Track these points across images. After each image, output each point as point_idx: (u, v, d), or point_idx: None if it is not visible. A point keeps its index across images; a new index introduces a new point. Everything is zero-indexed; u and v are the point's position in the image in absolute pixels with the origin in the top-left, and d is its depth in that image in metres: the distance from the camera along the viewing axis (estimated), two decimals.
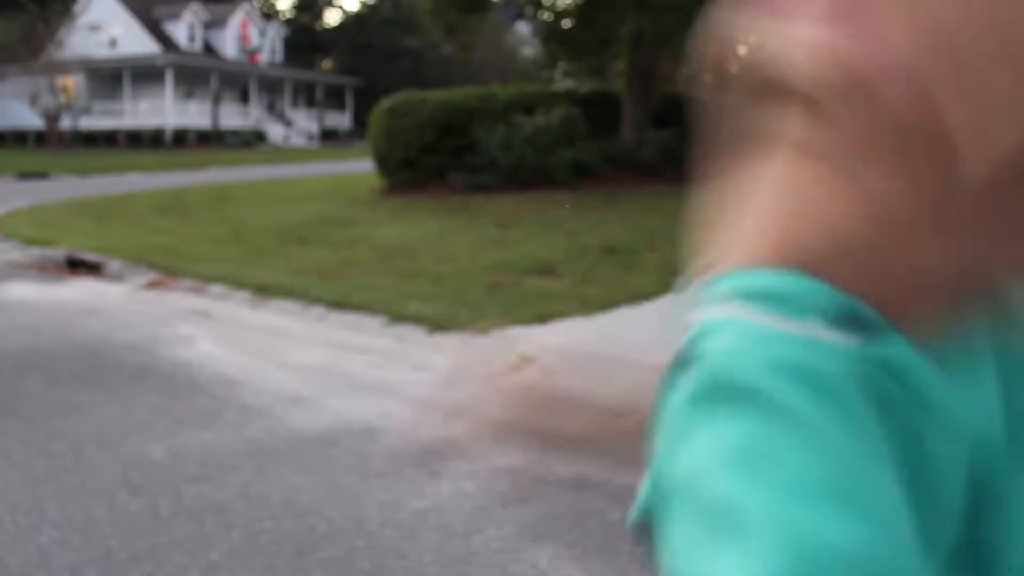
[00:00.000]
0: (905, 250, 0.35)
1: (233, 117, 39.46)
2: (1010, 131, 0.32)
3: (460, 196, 13.24)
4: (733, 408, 0.32)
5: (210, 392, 5.16)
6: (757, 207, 0.37)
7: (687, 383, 0.35)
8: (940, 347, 0.36)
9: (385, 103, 14.79)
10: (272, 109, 42.87)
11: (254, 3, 47.79)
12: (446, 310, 6.83)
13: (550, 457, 4.04)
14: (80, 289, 8.41)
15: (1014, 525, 0.36)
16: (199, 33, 40.75)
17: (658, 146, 13.84)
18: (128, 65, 37.89)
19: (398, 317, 6.75)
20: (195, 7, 40.48)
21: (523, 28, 37.71)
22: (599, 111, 14.69)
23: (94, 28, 38.32)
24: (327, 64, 51.73)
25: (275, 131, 39.96)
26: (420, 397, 5.06)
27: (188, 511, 3.56)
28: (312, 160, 26.78)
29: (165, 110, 36.66)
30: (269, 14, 49.70)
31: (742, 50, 0.39)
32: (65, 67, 34.55)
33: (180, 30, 39.86)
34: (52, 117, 35.10)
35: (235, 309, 7.54)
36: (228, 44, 41.56)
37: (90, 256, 9.55)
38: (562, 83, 22.73)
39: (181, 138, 35.81)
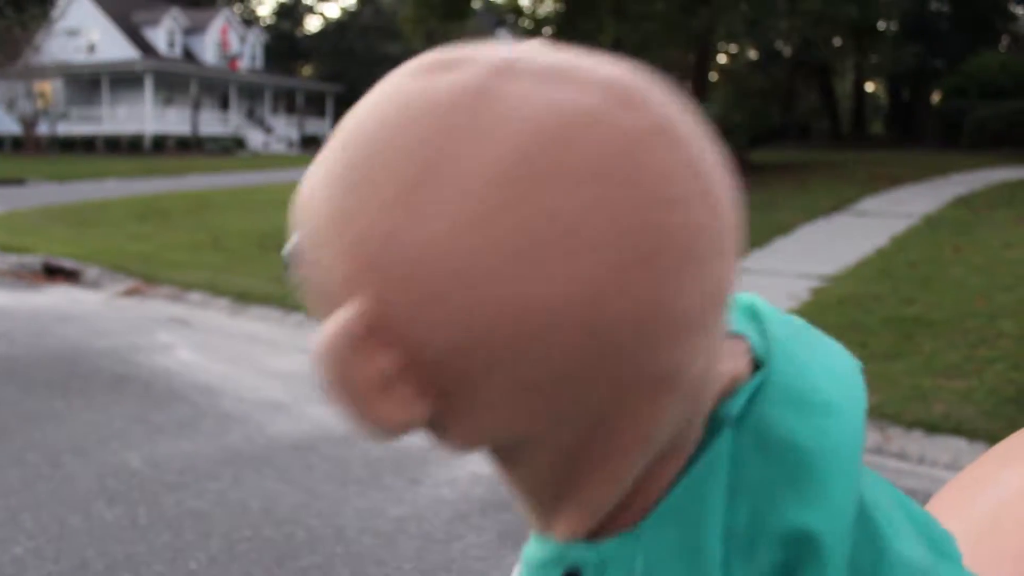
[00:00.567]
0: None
1: (213, 123, 39.27)
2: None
3: None
4: None
5: (189, 400, 5.13)
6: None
7: None
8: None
9: None
10: (252, 116, 42.70)
11: (234, 9, 47.64)
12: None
13: None
14: (57, 296, 8.35)
15: None
16: (179, 39, 40.55)
17: None
18: (107, 71, 37.63)
19: None
20: (175, 13, 40.28)
21: (504, 36, 37.83)
22: None
23: (72, 33, 38.06)
24: (308, 71, 51.62)
25: (255, 138, 39.79)
26: None
27: (166, 520, 3.54)
28: (292, 167, 26.69)
29: (144, 116, 36.43)
30: (249, 20, 49.55)
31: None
32: (43, 72, 34.27)
33: (159, 36, 39.65)
34: (29, 123, 34.80)
35: (214, 316, 7.51)
36: (208, 50, 41.37)
37: (67, 263, 9.48)
38: None
39: (160, 144, 35.59)
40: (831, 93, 33.21)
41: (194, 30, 41.33)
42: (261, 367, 5.89)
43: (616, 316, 0.33)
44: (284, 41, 49.90)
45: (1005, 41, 30.60)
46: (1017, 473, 0.68)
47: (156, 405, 5.03)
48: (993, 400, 4.48)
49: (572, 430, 0.37)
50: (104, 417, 4.80)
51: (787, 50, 28.97)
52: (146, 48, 38.81)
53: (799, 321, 0.45)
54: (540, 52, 0.37)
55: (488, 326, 0.33)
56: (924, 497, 0.71)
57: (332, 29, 50.79)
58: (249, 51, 43.53)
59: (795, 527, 0.37)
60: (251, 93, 43.02)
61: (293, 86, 44.36)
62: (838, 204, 11.87)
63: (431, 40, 17.90)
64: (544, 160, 0.33)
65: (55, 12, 38.49)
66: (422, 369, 0.35)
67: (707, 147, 0.38)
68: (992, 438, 4.09)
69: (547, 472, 0.38)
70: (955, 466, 4.00)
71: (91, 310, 7.75)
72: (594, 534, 0.40)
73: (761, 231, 9.81)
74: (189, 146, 35.94)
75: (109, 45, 38.29)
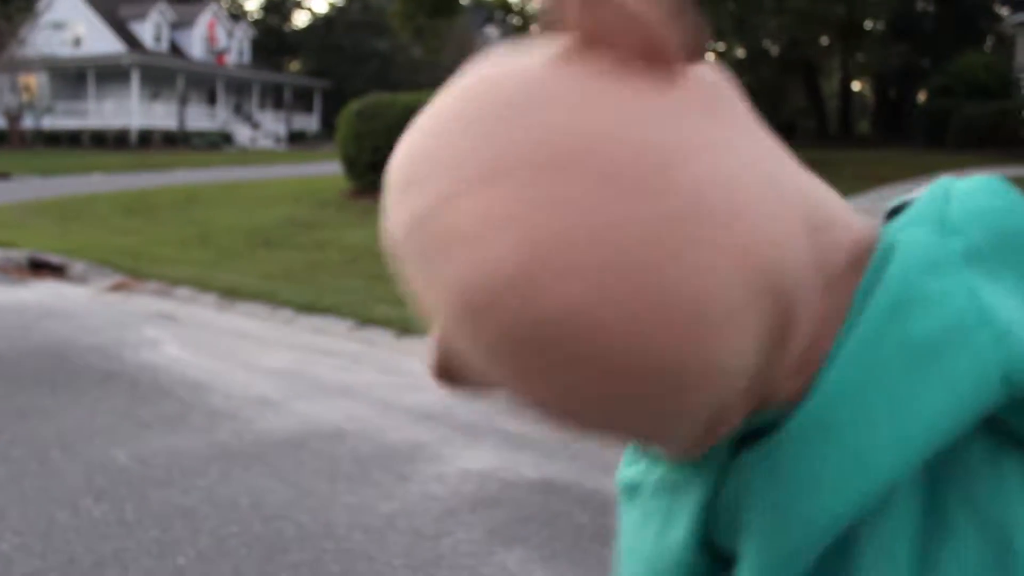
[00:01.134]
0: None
1: (200, 118, 39.10)
2: None
3: None
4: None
5: (176, 396, 5.11)
6: None
7: None
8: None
9: (353, 105, 14.75)
10: (239, 111, 42.53)
11: (222, 4, 47.42)
12: (414, 313, 6.82)
13: (519, 460, 4.05)
14: (43, 291, 8.30)
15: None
16: (165, 33, 40.34)
17: None
18: (93, 64, 37.41)
19: (366, 320, 6.74)
20: (162, 7, 40.06)
21: (492, 32, 37.79)
22: None
23: (58, 26, 37.80)
24: (295, 66, 51.45)
25: (242, 133, 39.64)
26: (388, 400, 5.06)
27: (154, 516, 3.53)
28: (280, 162, 26.60)
29: (130, 110, 36.23)
30: (237, 15, 49.33)
31: None
32: (27, 66, 34.03)
33: (146, 30, 39.42)
34: (14, 117, 34.56)
35: (202, 312, 7.48)
36: (195, 45, 41.17)
37: (53, 258, 9.43)
38: None
39: (146, 139, 35.42)
40: (818, 92, 33.35)
41: (181, 24, 41.12)
42: (249, 363, 5.87)
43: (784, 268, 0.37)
44: (272, 36, 49.70)
45: (990, 41, 30.81)
46: None
47: (143, 401, 5.01)
48: None
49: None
50: (91, 413, 4.78)
51: (774, 49, 29.07)
52: (132, 42, 38.59)
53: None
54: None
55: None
56: None
57: (320, 24, 50.63)
58: (236, 46, 43.35)
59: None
60: (238, 88, 42.84)
61: (281, 81, 44.21)
62: None
63: (420, 36, 17.89)
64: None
65: (40, 5, 38.22)
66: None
67: None
68: None
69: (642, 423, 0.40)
70: None
71: (78, 305, 7.71)
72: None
73: None
74: (176, 141, 35.78)
75: (95, 39, 38.05)
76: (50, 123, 36.27)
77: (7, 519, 3.48)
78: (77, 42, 38.44)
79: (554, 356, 0.34)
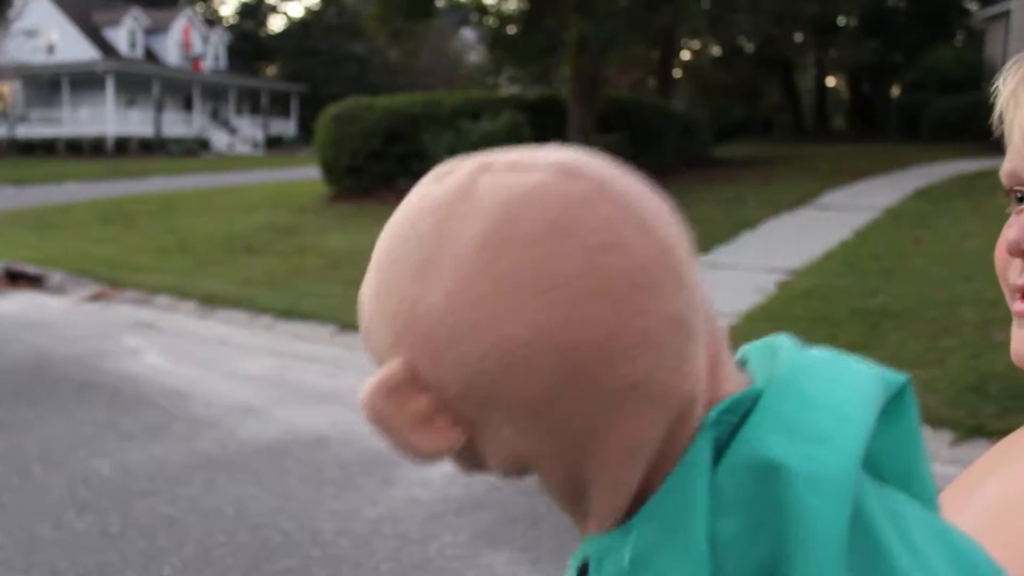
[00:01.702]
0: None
1: (176, 125, 38.83)
2: None
3: None
4: None
5: (158, 405, 5.09)
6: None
7: None
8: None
9: (331, 110, 14.72)
10: (216, 116, 42.27)
11: (197, 9, 47.13)
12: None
13: None
14: (20, 302, 8.24)
15: None
16: (140, 39, 40.02)
17: (603, 151, 13.96)
18: (67, 72, 37.06)
19: (348, 325, 6.73)
20: (136, 13, 39.74)
21: (468, 34, 37.75)
22: (545, 116, 14.78)
23: (30, 34, 37.43)
24: (272, 71, 51.19)
25: (219, 139, 39.40)
26: None
27: (139, 527, 3.52)
28: (258, 168, 26.48)
29: (106, 118, 35.92)
30: (212, 20, 49.02)
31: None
32: (0, 73, 33.71)
33: (120, 36, 39.10)
34: None
35: (182, 320, 7.45)
36: (170, 51, 40.88)
37: (30, 268, 9.36)
38: (508, 89, 22.80)
39: (123, 146, 35.13)
40: (793, 88, 33.52)
41: (156, 30, 40.81)
42: (231, 371, 5.86)
43: (576, 340, 0.41)
44: (248, 41, 49.43)
45: (960, 36, 31.09)
46: (1009, 475, 0.69)
47: (125, 411, 4.99)
48: (955, 389, 4.57)
49: (569, 446, 0.44)
50: (72, 424, 4.75)
51: (749, 46, 29.22)
52: (107, 49, 38.27)
53: (826, 355, 0.48)
54: (512, 152, 0.46)
55: (483, 364, 0.42)
56: None
57: (296, 29, 50.39)
58: (212, 51, 43.09)
59: (776, 549, 0.41)
60: (215, 94, 42.59)
61: (257, 86, 43.99)
62: (802, 198, 12.01)
63: (396, 39, 17.85)
64: (505, 228, 0.42)
65: (12, 12, 37.85)
66: (449, 405, 0.44)
67: (644, 196, 0.45)
68: (954, 426, 4.17)
69: (562, 485, 0.46)
70: None
71: (56, 316, 7.65)
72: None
73: (728, 226, 9.90)
74: (152, 148, 35.53)
75: (69, 46, 37.71)
76: (24, 132, 35.90)
77: None
78: (51, 49, 38.07)
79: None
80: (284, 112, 45.54)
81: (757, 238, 9.64)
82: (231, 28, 49.41)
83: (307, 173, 19.09)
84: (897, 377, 0.48)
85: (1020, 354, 0.68)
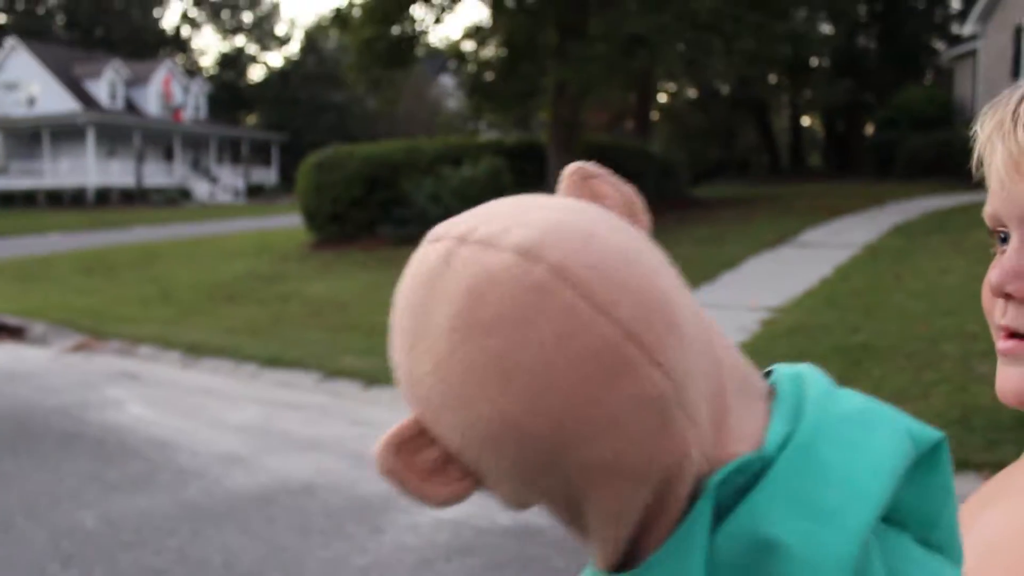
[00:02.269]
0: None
1: (157, 175, 38.86)
2: None
3: (390, 249, 13.26)
4: None
5: (143, 455, 5.05)
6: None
7: None
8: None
9: (312, 158, 14.80)
10: (197, 166, 42.35)
11: (177, 60, 47.43)
12: (381, 363, 6.81)
13: (492, 505, 4.05)
14: (1, 355, 8.17)
15: None
16: (120, 91, 40.18)
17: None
18: (47, 123, 37.10)
19: (333, 372, 6.72)
20: (116, 64, 39.94)
21: (447, 80, 38.13)
22: (525, 161, 14.93)
23: (11, 87, 37.54)
24: (252, 120, 51.44)
25: (200, 188, 39.44)
26: (358, 452, 5.04)
27: None
28: (239, 216, 26.50)
29: (87, 169, 35.91)
30: (192, 71, 49.34)
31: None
32: None
33: (101, 88, 39.25)
34: None
35: (166, 370, 7.41)
36: (151, 101, 41.05)
37: (11, 320, 9.29)
38: (488, 134, 23.01)
39: (104, 197, 35.09)
40: (769, 128, 34.01)
41: (136, 81, 41.01)
42: (216, 420, 5.82)
43: (537, 429, 0.43)
44: (227, 91, 49.73)
45: (929, 75, 31.74)
46: (1001, 512, 0.71)
47: (109, 462, 4.94)
48: (939, 423, 4.60)
49: (560, 506, 0.47)
50: (56, 476, 4.70)
51: (725, 88, 29.68)
52: (87, 100, 38.39)
53: (856, 407, 0.48)
54: (496, 216, 0.47)
55: (466, 433, 0.45)
56: None
57: (275, 78, 50.76)
58: (193, 101, 43.30)
59: None
60: (195, 143, 42.72)
61: (238, 135, 44.16)
62: (782, 236, 12.14)
63: (375, 87, 18.01)
64: (469, 314, 0.44)
65: None
66: (456, 458, 0.47)
67: (615, 267, 0.45)
68: None
69: (568, 527, 0.49)
70: None
71: (38, 367, 7.59)
72: (626, 566, 0.48)
73: (708, 265, 9.99)
74: (133, 198, 35.50)
75: (49, 98, 37.81)
76: (4, 183, 35.83)
77: None
78: (31, 102, 38.15)
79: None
80: (264, 161, 45.70)
81: (739, 277, 9.72)
82: (211, 78, 49.72)
83: (288, 221, 19.12)
84: (933, 434, 0.47)
85: (1005, 391, 0.70)
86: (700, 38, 15.50)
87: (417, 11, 16.44)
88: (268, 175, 45.13)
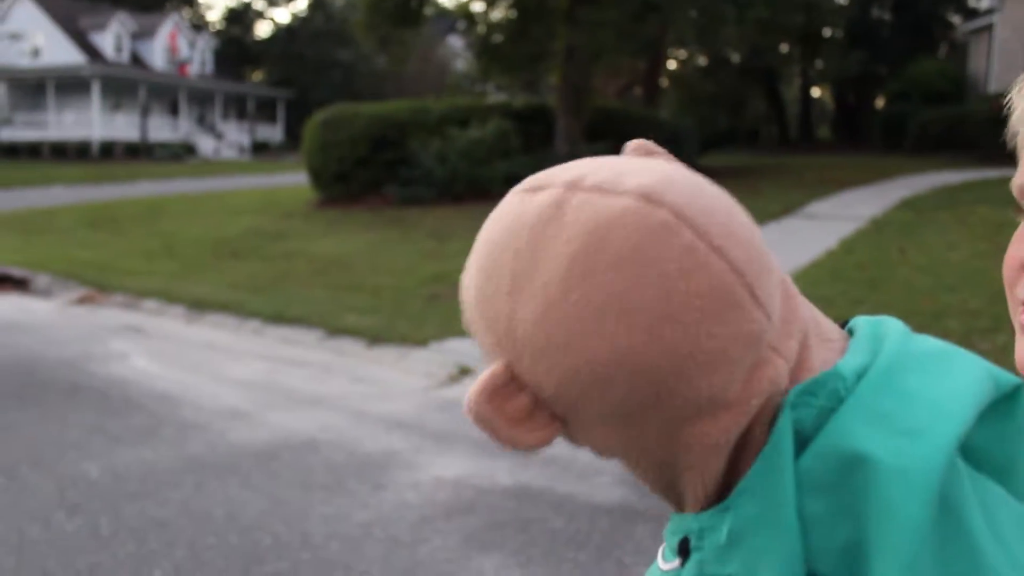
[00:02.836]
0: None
1: (162, 129, 38.68)
2: None
3: (395, 209, 13.25)
4: None
5: (147, 409, 5.09)
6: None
7: None
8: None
9: (319, 116, 14.73)
10: (202, 121, 42.14)
11: (183, 14, 47.00)
12: (384, 322, 6.85)
13: (492, 466, 4.09)
14: (6, 305, 8.20)
15: None
16: (126, 44, 39.85)
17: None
18: (52, 75, 36.86)
19: (336, 330, 6.75)
20: (122, 17, 39.59)
21: (455, 41, 37.82)
22: (532, 124, 14.84)
23: (15, 37, 37.24)
24: (258, 76, 51.08)
25: (205, 144, 39.27)
26: (360, 409, 5.08)
27: (129, 529, 3.53)
28: (244, 173, 26.42)
29: (91, 122, 35.74)
30: (199, 25, 48.89)
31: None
32: None
33: (107, 40, 38.93)
34: None
35: (170, 324, 7.44)
36: (157, 55, 40.73)
37: (16, 271, 9.32)
38: (495, 96, 22.85)
39: (108, 151, 34.97)
40: (779, 99, 33.73)
41: (142, 35, 40.66)
42: (219, 375, 5.86)
43: (654, 361, 0.45)
44: (234, 46, 49.30)
45: (943, 48, 31.39)
46: None
47: (114, 414, 4.98)
48: None
49: (656, 446, 0.49)
50: (61, 427, 4.75)
51: (735, 56, 29.40)
52: (93, 53, 38.10)
53: (938, 347, 0.51)
54: (600, 168, 0.49)
55: (572, 375, 0.46)
56: None
57: (283, 34, 50.29)
58: (199, 56, 42.96)
59: (859, 534, 0.45)
60: (201, 99, 42.46)
61: (244, 92, 43.89)
62: (788, 208, 12.10)
63: (384, 46, 17.87)
64: (591, 255, 0.45)
65: None
66: (545, 404, 0.48)
67: (723, 215, 0.48)
68: None
69: (654, 476, 0.51)
70: None
71: (43, 319, 7.63)
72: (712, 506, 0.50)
73: None
74: (138, 152, 35.37)
75: (54, 50, 37.51)
76: (8, 135, 35.70)
77: None
78: (36, 53, 37.86)
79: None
80: (270, 118, 45.47)
81: None
82: (218, 33, 49.30)
83: (294, 179, 19.08)
84: (1012, 378, 0.50)
85: None
86: (713, 5, 15.33)
87: None
88: (274, 132, 44.93)
